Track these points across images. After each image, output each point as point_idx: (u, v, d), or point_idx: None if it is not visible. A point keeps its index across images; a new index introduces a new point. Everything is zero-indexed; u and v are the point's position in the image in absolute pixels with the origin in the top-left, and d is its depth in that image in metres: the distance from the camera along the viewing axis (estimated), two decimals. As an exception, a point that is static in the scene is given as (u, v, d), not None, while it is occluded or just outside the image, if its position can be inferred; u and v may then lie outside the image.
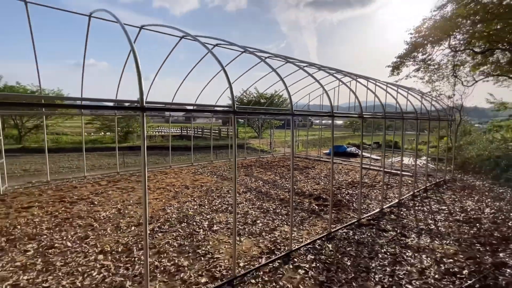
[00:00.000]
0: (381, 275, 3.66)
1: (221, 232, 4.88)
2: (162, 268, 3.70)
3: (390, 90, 8.44)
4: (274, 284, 3.41)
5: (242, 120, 23.47)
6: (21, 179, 9.06)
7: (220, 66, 3.73)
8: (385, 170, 11.04)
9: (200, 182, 8.62)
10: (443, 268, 3.88)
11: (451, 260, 4.11)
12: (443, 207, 6.63)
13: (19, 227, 4.95)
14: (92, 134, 27.37)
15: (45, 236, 4.58)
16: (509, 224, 5.60)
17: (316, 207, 6.41)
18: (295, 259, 4.01)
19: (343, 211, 6.22)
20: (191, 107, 9.86)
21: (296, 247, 4.35)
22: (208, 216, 5.63)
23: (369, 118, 6.56)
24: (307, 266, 3.84)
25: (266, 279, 3.51)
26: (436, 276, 3.69)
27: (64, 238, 4.53)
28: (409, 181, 9.18)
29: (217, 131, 29.66)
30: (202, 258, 3.97)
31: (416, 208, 6.57)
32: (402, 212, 6.20)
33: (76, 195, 6.99)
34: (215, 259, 3.94)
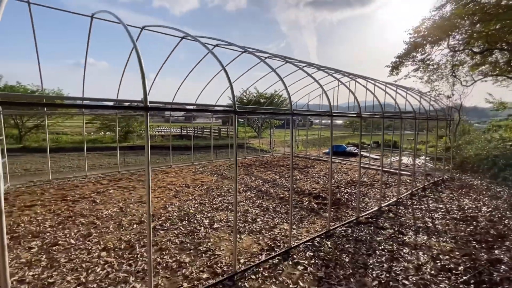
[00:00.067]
0: (379, 271, 3.74)
1: (222, 230, 4.96)
2: (164, 265, 3.78)
3: (389, 90, 8.53)
4: (274, 279, 3.49)
5: (242, 120, 23.55)
6: (23, 178, 9.12)
7: (221, 66, 3.81)
8: (384, 169, 11.14)
9: (201, 181, 8.69)
10: (439, 264, 3.97)
11: (447, 256, 4.20)
12: (441, 206, 6.71)
13: (22, 225, 5.02)
14: (92, 133, 27.42)
15: (48, 234, 4.66)
16: (505, 222, 5.68)
17: (316, 206, 6.49)
18: (295, 256, 4.09)
19: (342, 209, 6.31)
20: (192, 107, 9.94)
21: (296, 244, 4.44)
22: (208, 214, 5.71)
23: (367, 117, 6.64)
24: (306, 262, 3.92)
25: (266, 275, 3.59)
26: (432, 272, 3.77)
27: (68, 235, 4.61)
28: (408, 180, 9.27)
29: (217, 131, 29.73)
30: (203, 255, 4.05)
31: (414, 206, 6.65)
32: (400, 211, 6.29)
33: (78, 193, 7.06)
34: (216, 256, 4.03)
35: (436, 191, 8.08)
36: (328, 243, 4.56)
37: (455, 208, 6.58)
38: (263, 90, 26.32)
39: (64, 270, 3.59)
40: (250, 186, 8.20)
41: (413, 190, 8.02)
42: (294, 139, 17.65)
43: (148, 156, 2.63)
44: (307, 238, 4.66)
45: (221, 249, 4.25)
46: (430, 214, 6.10)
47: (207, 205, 6.35)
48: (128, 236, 4.61)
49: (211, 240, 4.55)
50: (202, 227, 5.06)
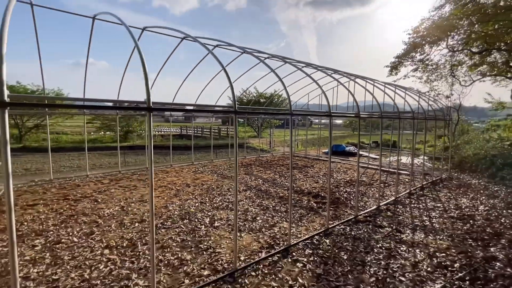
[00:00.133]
0: (376, 268, 3.82)
1: (222, 228, 5.03)
2: (166, 262, 3.85)
3: (388, 91, 8.61)
4: (273, 276, 3.57)
5: (242, 120, 23.63)
6: (23, 178, 9.18)
7: (221, 66, 3.88)
8: (383, 169, 11.22)
9: (201, 180, 8.77)
10: (435, 261, 4.05)
11: (443, 254, 4.28)
12: (438, 205, 6.80)
13: (25, 223, 5.09)
14: (92, 133, 27.47)
15: (51, 232, 4.73)
16: (502, 220, 5.76)
17: (315, 205, 6.57)
18: (294, 253, 4.17)
19: (341, 208, 6.38)
20: (193, 107, 10.01)
21: (295, 242, 4.51)
22: (209, 213, 5.78)
23: (366, 117, 6.71)
24: (305, 260, 3.99)
25: (266, 271, 3.67)
26: (429, 269, 3.85)
27: (70, 234, 4.68)
28: (407, 180, 9.35)
29: (216, 131, 29.80)
30: (204, 253, 4.13)
31: (412, 205, 6.73)
32: (398, 209, 6.37)
33: (79, 193, 7.13)
34: (216, 253, 4.10)
35: (434, 190, 8.16)
36: (327, 241, 4.64)
37: (452, 207, 6.67)
38: (263, 90, 26.39)
39: (68, 267, 3.67)
40: (250, 186, 8.27)
41: (412, 189, 8.10)
42: (293, 138, 17.73)
43: (151, 154, 2.70)
44: (306, 236, 4.74)
45: (222, 247, 4.33)
46: (427, 213, 6.18)
47: (207, 204, 6.42)
48: (130, 235, 4.69)
49: (212, 238, 4.63)
50: (203, 226, 5.13)
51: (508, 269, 3.86)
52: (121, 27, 4.81)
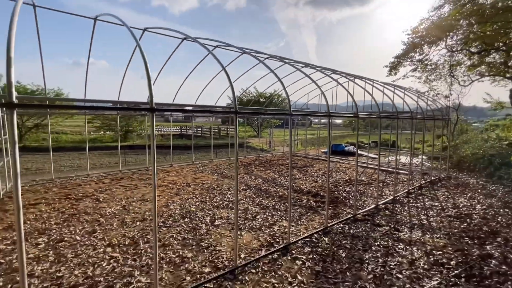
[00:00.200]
0: (374, 266, 3.89)
1: (223, 227, 5.10)
2: (167, 260, 3.92)
3: (387, 91, 8.67)
4: (273, 273, 3.64)
5: (242, 119, 23.68)
6: (24, 177, 9.24)
7: (221, 67, 3.94)
8: (381, 168, 11.29)
9: (201, 180, 8.83)
10: (432, 259, 4.12)
11: (440, 252, 4.35)
12: (436, 204, 6.87)
13: (28, 222, 5.15)
14: (91, 133, 27.52)
15: (54, 231, 4.80)
16: (498, 219, 5.84)
17: (314, 204, 6.64)
18: (293, 251, 4.24)
19: (340, 207, 6.46)
20: (195, 108, 10.09)
21: (294, 240, 4.58)
22: (210, 212, 5.85)
23: (364, 118, 6.78)
24: (304, 257, 4.07)
25: (266, 269, 3.74)
26: (425, 266, 3.92)
27: (73, 232, 4.75)
28: (405, 179, 9.43)
29: (216, 130, 29.86)
30: (205, 251, 4.20)
31: (410, 204, 6.81)
32: (396, 208, 6.44)
33: (81, 192, 7.20)
34: (217, 251, 4.17)
35: (432, 190, 8.24)
36: (326, 239, 4.71)
37: (450, 206, 6.74)
38: (262, 90, 26.45)
39: (72, 264, 3.74)
40: (250, 185, 8.34)
41: (410, 188, 8.17)
42: (293, 138, 17.79)
43: (154, 154, 2.77)
44: (306, 235, 4.81)
45: (222, 245, 4.40)
46: (425, 212, 6.25)
47: (208, 203, 6.49)
48: (131, 233, 4.75)
49: (213, 236, 4.70)
50: (204, 224, 5.20)
51: (503, 267, 3.94)
52: (121, 27, 4.87)
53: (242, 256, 4.07)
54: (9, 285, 3.28)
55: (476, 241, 4.77)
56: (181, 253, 4.11)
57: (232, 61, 7.94)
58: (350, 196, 7.29)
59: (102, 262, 3.79)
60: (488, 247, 4.56)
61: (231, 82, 3.77)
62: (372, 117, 7.24)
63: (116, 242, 4.40)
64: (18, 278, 3.40)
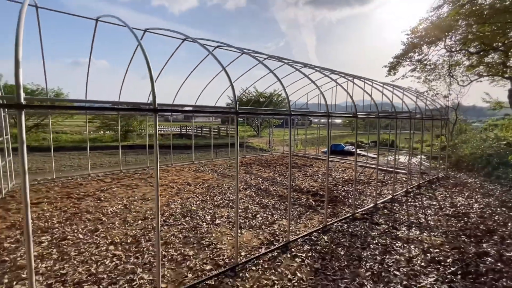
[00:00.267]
0: (372, 263, 3.97)
1: (223, 225, 5.17)
2: (169, 257, 3.99)
3: (386, 91, 8.74)
4: (273, 270, 3.71)
5: (242, 119, 23.75)
6: (27, 176, 9.28)
7: (221, 67, 4.00)
8: (380, 168, 11.37)
9: (202, 179, 8.90)
10: (429, 257, 4.20)
11: (437, 250, 4.43)
12: (434, 203, 6.95)
13: (31, 221, 5.20)
14: (91, 132, 27.56)
15: (57, 229, 4.86)
16: (495, 218, 5.92)
17: (313, 203, 6.71)
18: (293, 249, 4.31)
19: (339, 206, 6.53)
20: (196, 108, 10.18)
21: (294, 238, 4.65)
22: (210, 211, 5.92)
23: (363, 117, 6.85)
24: (304, 255, 4.14)
25: (266, 266, 3.81)
26: (422, 264, 4.00)
27: (75, 231, 4.81)
28: (404, 179, 9.51)
29: (216, 130, 29.92)
30: (206, 248, 4.27)
31: (409, 203, 6.89)
32: (394, 207, 6.52)
33: (82, 191, 7.26)
34: (218, 249, 4.24)
35: (430, 189, 8.32)
36: (325, 237, 4.78)
37: (448, 205, 6.82)
38: (262, 90, 26.52)
39: (75, 262, 3.80)
40: (250, 184, 8.41)
41: (408, 188, 8.25)
42: (293, 138, 17.86)
43: (156, 153, 2.83)
44: (305, 233, 4.88)
45: (223, 243, 4.47)
46: (423, 211, 6.33)
47: (208, 202, 6.55)
48: (133, 231, 4.82)
49: (213, 235, 4.77)
50: (204, 223, 5.27)
51: (499, 264, 4.01)
52: (121, 28, 4.93)
53: (243, 254, 4.14)
54: (15, 282, 3.34)
55: (472, 239, 4.84)
56: (182, 251, 4.17)
57: (232, 61, 8.00)
58: (349, 195, 7.36)
59: (105, 260, 3.86)
60: (484, 245, 4.64)
61: (231, 83, 3.84)
62: (371, 117, 7.32)
63: (118, 241, 4.46)
64: (23, 275, 3.47)
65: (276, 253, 4.18)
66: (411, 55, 16.28)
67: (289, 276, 3.58)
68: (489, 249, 4.47)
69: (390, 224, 5.45)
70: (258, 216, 5.72)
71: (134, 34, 3.61)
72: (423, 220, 5.74)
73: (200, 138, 26.80)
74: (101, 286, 3.29)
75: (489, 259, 4.17)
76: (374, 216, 5.91)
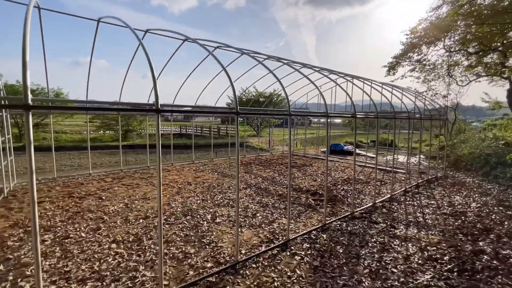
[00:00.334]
0: (370, 261, 4.04)
1: (224, 224, 5.24)
2: (171, 255, 4.05)
3: (385, 91, 8.81)
4: (273, 268, 3.78)
5: (242, 119, 23.81)
6: (26, 176, 9.31)
7: (221, 67, 4.06)
8: (379, 167, 11.45)
9: (202, 179, 8.96)
10: (426, 255, 4.27)
11: (434, 248, 4.50)
12: (432, 202, 7.03)
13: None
14: (91, 132, 27.58)
15: (59, 228, 4.92)
16: (492, 217, 6.00)
17: (313, 202, 6.78)
18: (292, 247, 4.38)
19: (338, 205, 6.60)
20: (197, 109, 10.25)
21: (293, 237, 4.72)
22: (211, 210, 5.99)
23: (362, 118, 6.92)
24: (303, 253, 4.21)
25: (266, 264, 3.88)
26: (420, 261, 4.07)
27: (78, 229, 4.87)
28: (403, 178, 9.58)
29: (216, 130, 29.98)
30: (207, 247, 4.33)
31: (407, 202, 6.96)
32: (393, 206, 6.59)
33: (83, 191, 7.32)
34: (219, 247, 4.31)
35: (429, 188, 8.39)
36: (324, 236, 4.85)
37: (445, 204, 6.90)
38: (262, 90, 26.57)
39: (78, 260, 3.86)
40: (250, 184, 8.47)
41: (407, 187, 8.32)
42: (292, 138, 17.93)
43: (159, 153, 2.89)
44: (304, 232, 4.95)
45: (224, 241, 4.53)
46: (421, 210, 6.40)
47: (209, 201, 6.62)
48: (135, 230, 4.88)
49: (214, 233, 4.83)
50: (205, 222, 5.34)
51: (495, 262, 4.08)
52: (120, 27, 4.98)
53: (243, 251, 4.20)
54: (19, 279, 3.40)
55: (469, 238, 4.92)
56: (183, 249, 4.24)
57: (232, 61, 8.06)
58: (348, 195, 7.43)
59: (108, 258, 3.92)
60: (481, 243, 4.71)
61: (232, 83, 3.90)
62: (370, 117, 7.38)
63: (121, 239, 4.52)
64: (27, 273, 3.54)
65: (276, 251, 4.25)
66: (410, 55, 16.35)
67: (288, 273, 3.65)
68: (485, 247, 4.55)
69: (389, 223, 5.52)
70: (258, 215, 5.78)
71: (136, 35, 3.67)
72: (421, 219, 5.81)
73: (200, 138, 26.85)
74: (104, 283, 3.35)
75: (485, 257, 4.25)
76: (372, 215, 5.98)
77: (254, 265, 3.83)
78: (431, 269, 3.86)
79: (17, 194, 6.91)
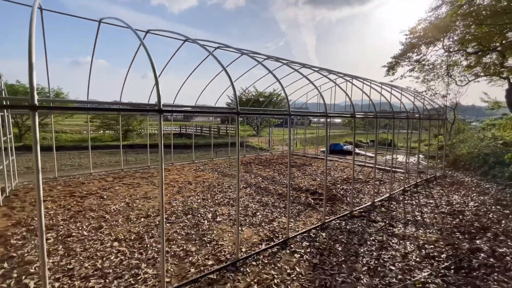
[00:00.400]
0: (368, 259, 4.10)
1: (224, 223, 5.30)
2: (172, 253, 4.11)
3: (384, 91, 8.87)
4: (272, 265, 3.84)
5: (242, 119, 23.86)
6: (27, 176, 9.40)
7: (222, 67, 4.12)
8: (378, 167, 11.51)
9: (202, 178, 9.02)
10: (424, 252, 4.33)
11: (432, 246, 4.56)
12: (431, 201, 7.09)
13: (36, 218, 5.33)
14: (91, 132, 27.60)
15: (61, 227, 4.98)
16: (490, 215, 6.06)
17: (312, 201, 6.84)
18: (292, 246, 4.44)
19: (337, 204, 6.66)
20: (198, 108, 10.31)
21: (293, 235, 4.78)
22: (211, 209, 6.05)
23: (361, 117, 6.97)
24: (303, 251, 4.27)
25: (266, 261, 3.94)
26: (417, 259, 4.13)
27: (80, 228, 4.93)
28: (402, 177, 9.64)
29: (216, 129, 30.02)
30: (208, 245, 4.39)
31: (406, 201, 7.02)
32: (392, 205, 6.65)
33: (85, 190, 7.37)
34: (219, 246, 4.37)
35: (427, 188, 8.46)
36: (323, 234, 4.91)
37: (444, 203, 6.96)
38: (262, 89, 26.63)
39: (81, 258, 3.92)
40: (250, 183, 8.53)
41: (406, 186, 8.39)
42: (292, 137, 17.99)
43: (161, 152, 2.95)
44: (304, 230, 5.01)
45: (224, 239, 4.59)
46: (420, 209, 6.47)
47: (209, 200, 6.68)
48: (136, 229, 4.94)
49: (215, 232, 4.89)
50: (206, 220, 5.39)
51: (491, 259, 4.15)
52: (120, 27, 5.03)
53: (243, 250, 4.26)
54: (24, 277, 3.46)
55: (467, 236, 4.98)
56: (185, 247, 4.30)
57: (231, 62, 8.12)
58: (347, 194, 7.50)
59: (110, 256, 3.98)
60: (478, 241, 4.78)
61: (232, 83, 3.95)
62: (369, 117, 7.44)
63: (122, 237, 4.58)
64: (31, 270, 3.59)
65: (276, 249, 4.31)
66: (410, 55, 16.42)
67: (288, 271, 3.71)
68: (482, 245, 4.61)
69: (387, 222, 5.59)
70: (258, 214, 5.84)
71: (138, 35, 3.72)
72: (419, 218, 5.87)
73: (200, 138, 26.89)
74: (107, 280, 3.41)
75: (482, 254, 4.31)
76: (371, 213, 6.04)
77: (254, 263, 3.89)
78: (429, 267, 3.92)
79: (18, 194, 6.96)
